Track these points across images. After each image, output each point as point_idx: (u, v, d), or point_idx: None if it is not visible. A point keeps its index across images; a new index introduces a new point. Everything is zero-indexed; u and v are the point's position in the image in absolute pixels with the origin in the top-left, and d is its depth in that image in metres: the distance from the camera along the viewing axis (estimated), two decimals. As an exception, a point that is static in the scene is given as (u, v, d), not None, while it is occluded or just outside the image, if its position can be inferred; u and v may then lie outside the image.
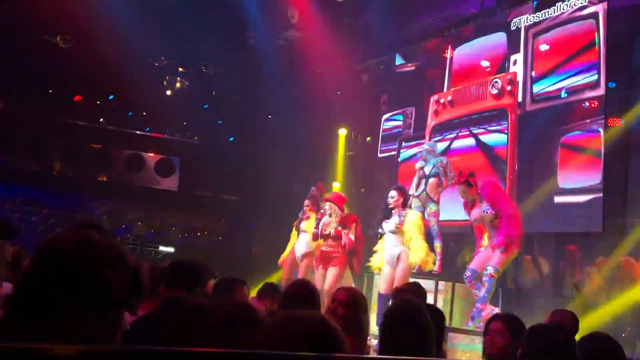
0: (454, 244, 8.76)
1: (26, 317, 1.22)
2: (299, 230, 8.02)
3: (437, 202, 7.58)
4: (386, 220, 6.98)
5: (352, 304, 3.21)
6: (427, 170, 7.70)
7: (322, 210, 7.59)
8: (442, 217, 7.72)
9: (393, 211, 6.97)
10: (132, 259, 1.34)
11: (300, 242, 7.88)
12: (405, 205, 7.07)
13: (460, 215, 7.97)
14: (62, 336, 1.20)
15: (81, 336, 1.22)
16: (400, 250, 6.93)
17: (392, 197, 7.02)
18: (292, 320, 1.48)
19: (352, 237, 7.18)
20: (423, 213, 7.63)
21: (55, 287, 1.22)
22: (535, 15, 8.35)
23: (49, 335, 1.20)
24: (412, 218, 6.94)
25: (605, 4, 7.44)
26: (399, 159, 10.28)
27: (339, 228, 7.29)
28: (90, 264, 1.25)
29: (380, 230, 7.10)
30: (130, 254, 1.35)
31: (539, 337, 2.53)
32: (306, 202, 8.11)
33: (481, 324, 6.38)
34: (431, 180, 7.63)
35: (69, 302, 1.22)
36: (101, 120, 12.36)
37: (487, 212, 6.36)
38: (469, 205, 6.60)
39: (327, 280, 7.05)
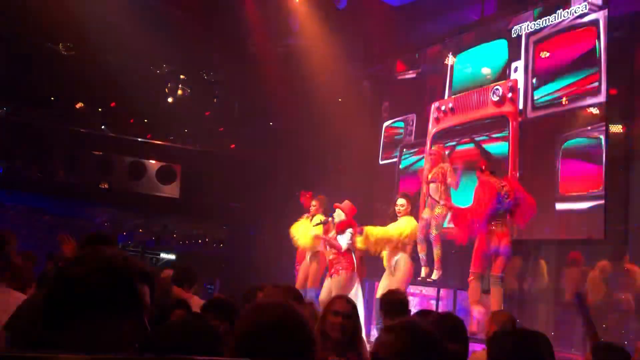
0: (455, 252, 8.74)
1: (43, 330, 1.30)
2: None
3: (444, 205, 7.59)
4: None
5: (353, 314, 3.20)
6: (430, 175, 7.76)
7: (330, 218, 7.64)
8: (443, 224, 7.73)
9: (399, 219, 7.00)
10: (136, 270, 1.39)
11: (307, 255, 7.96)
12: (411, 212, 7.10)
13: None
14: (71, 344, 1.25)
15: (78, 344, 1.27)
16: (398, 256, 6.94)
17: (402, 206, 7.01)
18: None
19: (342, 241, 7.17)
20: (431, 219, 7.64)
21: (62, 301, 1.31)
22: (536, 23, 8.38)
23: (59, 344, 1.25)
24: (407, 222, 6.99)
25: (605, 11, 7.47)
26: (400, 166, 10.29)
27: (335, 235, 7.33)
28: (81, 278, 1.33)
29: None
30: (137, 266, 1.41)
31: (501, 343, 2.47)
32: (314, 202, 8.13)
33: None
34: (432, 185, 7.68)
35: (75, 313, 1.29)
36: (103, 127, 12.38)
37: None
38: None
39: (332, 290, 7.03)
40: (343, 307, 3.21)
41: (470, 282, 6.46)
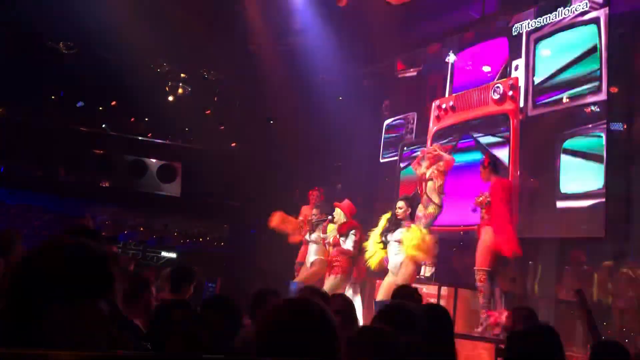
0: (455, 249, 8.74)
1: (9, 320, 1.29)
2: (306, 242, 8.16)
3: (438, 205, 7.59)
4: (392, 231, 7.01)
5: (350, 311, 3.18)
6: (427, 175, 7.76)
7: (329, 217, 7.66)
8: (444, 222, 7.73)
9: (402, 222, 7.00)
10: (99, 253, 1.41)
11: (309, 253, 8.00)
12: (413, 214, 7.10)
13: (462, 220, 7.98)
14: (44, 333, 1.26)
15: (62, 329, 1.27)
16: (402, 257, 6.95)
17: (400, 208, 7.04)
18: None
19: (349, 244, 7.18)
20: (422, 217, 7.65)
21: (28, 288, 1.30)
22: (536, 21, 8.36)
23: (33, 333, 1.25)
24: (411, 234, 7.00)
25: (606, 9, 7.45)
26: (401, 165, 10.28)
27: (337, 236, 7.34)
28: (55, 262, 1.33)
29: (383, 239, 7.11)
30: (98, 249, 1.43)
31: (521, 342, 2.50)
32: (315, 211, 8.17)
33: (480, 328, 6.39)
34: (429, 183, 7.69)
35: (43, 299, 1.29)
36: (103, 126, 12.38)
37: (480, 194, 6.49)
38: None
39: (325, 288, 7.07)
40: (341, 306, 3.20)
41: (483, 281, 6.42)
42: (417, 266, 7.19)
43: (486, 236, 6.50)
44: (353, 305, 3.25)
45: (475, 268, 6.49)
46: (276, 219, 8.98)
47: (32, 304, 1.28)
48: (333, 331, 1.56)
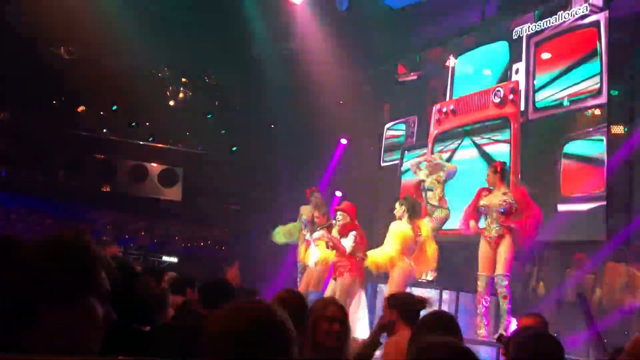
0: (457, 253, 8.73)
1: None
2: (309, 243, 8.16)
3: (444, 208, 7.64)
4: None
5: (346, 320, 3.14)
6: (426, 184, 7.83)
7: (333, 221, 7.66)
8: (447, 226, 7.74)
9: (391, 228, 7.05)
10: (91, 253, 1.34)
11: (312, 253, 7.99)
12: (409, 214, 7.11)
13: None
14: (33, 338, 1.20)
15: (51, 333, 1.22)
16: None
17: (395, 209, 7.09)
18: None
19: (347, 245, 7.17)
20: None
21: (10, 290, 1.23)
22: (537, 24, 8.38)
23: (22, 340, 1.20)
24: (393, 227, 7.02)
25: (606, 13, 7.46)
26: (402, 168, 10.29)
27: (338, 237, 7.33)
28: (37, 261, 1.26)
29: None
30: (91, 248, 1.35)
31: (525, 347, 2.49)
32: (316, 213, 8.18)
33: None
34: (429, 193, 7.75)
35: (27, 303, 1.22)
36: (104, 130, 12.39)
37: (502, 202, 6.43)
38: (484, 191, 6.70)
39: (336, 292, 7.04)
40: (337, 313, 3.10)
41: (507, 286, 6.41)
42: (411, 269, 7.16)
43: (512, 246, 6.50)
44: (346, 311, 3.21)
45: (498, 274, 6.42)
46: (280, 236, 8.98)
47: (21, 302, 1.22)
48: (282, 334, 1.51)
